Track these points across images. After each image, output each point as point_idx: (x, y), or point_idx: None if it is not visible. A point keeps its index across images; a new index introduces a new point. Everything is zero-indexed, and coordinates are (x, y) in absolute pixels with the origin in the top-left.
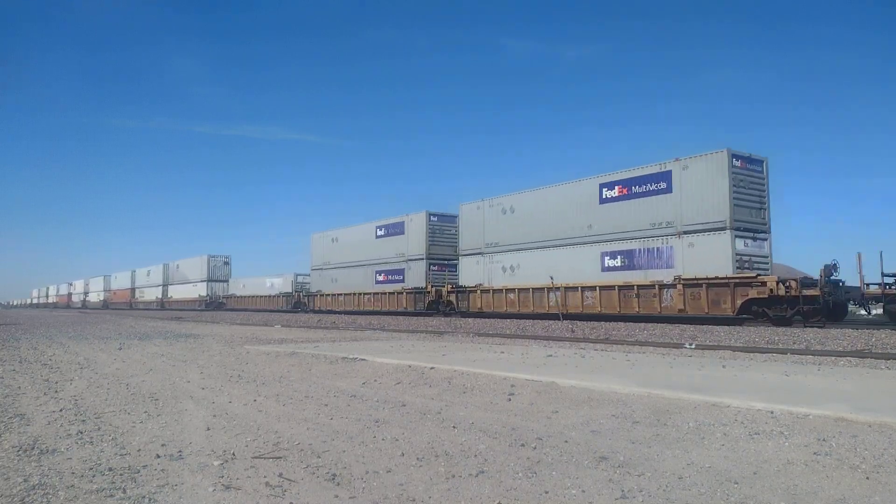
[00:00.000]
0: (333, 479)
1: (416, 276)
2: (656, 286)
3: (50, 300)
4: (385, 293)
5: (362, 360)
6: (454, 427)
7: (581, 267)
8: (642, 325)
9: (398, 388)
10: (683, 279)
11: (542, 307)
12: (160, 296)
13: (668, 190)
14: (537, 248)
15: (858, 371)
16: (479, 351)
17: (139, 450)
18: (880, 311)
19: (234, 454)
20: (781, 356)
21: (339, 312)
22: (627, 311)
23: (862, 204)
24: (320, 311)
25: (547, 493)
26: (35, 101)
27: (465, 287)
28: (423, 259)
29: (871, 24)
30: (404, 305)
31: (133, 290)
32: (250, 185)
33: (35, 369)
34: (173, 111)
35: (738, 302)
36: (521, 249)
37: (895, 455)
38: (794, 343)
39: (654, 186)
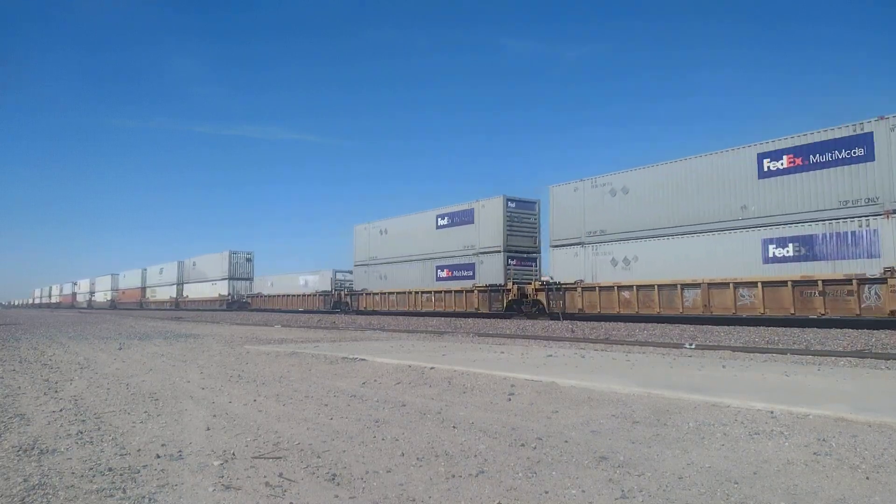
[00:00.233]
0: (333, 479)
1: (491, 272)
2: (854, 281)
3: (53, 300)
4: (450, 291)
5: (362, 360)
6: (454, 427)
7: (730, 258)
8: (642, 325)
9: (398, 388)
10: None
11: (672, 308)
12: (174, 295)
13: (869, 157)
14: (662, 235)
15: (858, 371)
16: (478, 351)
17: (139, 450)
18: None
19: (234, 454)
20: (781, 356)
21: (391, 313)
22: (806, 313)
23: None
24: (367, 312)
25: (547, 493)
26: (35, 101)
27: (560, 284)
28: (499, 252)
29: (871, 24)
30: (475, 306)
31: (144, 289)
32: (250, 185)
33: (35, 369)
34: (173, 111)
35: None
36: (639, 238)
37: (895, 455)
38: (794, 343)
39: (845, 154)
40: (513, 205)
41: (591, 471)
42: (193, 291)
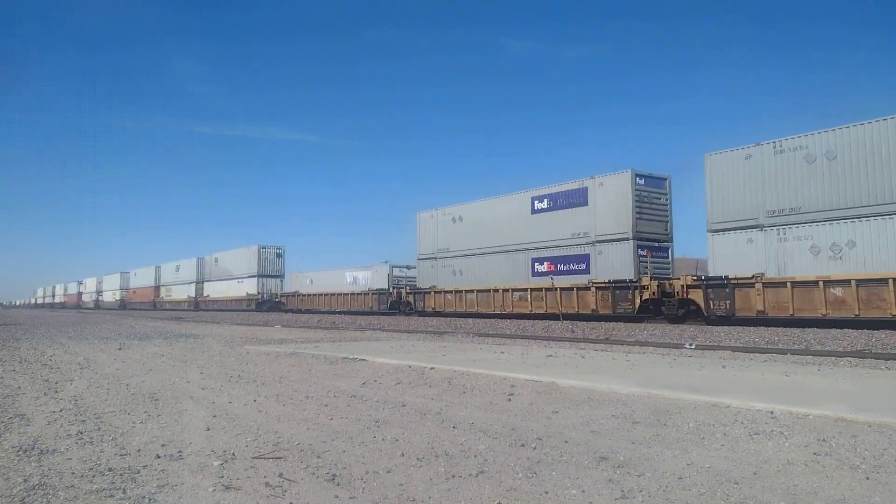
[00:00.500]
0: (333, 479)
1: (613, 265)
2: None
3: (57, 300)
4: (553, 289)
5: (362, 360)
6: (454, 427)
7: None
8: (642, 325)
9: (398, 388)
10: None
11: None
12: (193, 294)
13: None
14: (888, 213)
15: (858, 371)
16: (478, 351)
17: (139, 450)
18: None
19: (233, 454)
20: (781, 356)
21: (471, 315)
22: None
23: None
24: (437, 314)
25: (547, 493)
26: (35, 100)
27: (726, 278)
28: (626, 239)
29: (872, 24)
30: (593, 306)
31: (157, 288)
32: (249, 185)
33: (35, 369)
34: (173, 111)
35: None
36: (856, 218)
37: (895, 455)
38: (794, 343)
39: None
40: (641, 181)
41: (591, 471)
42: (216, 290)
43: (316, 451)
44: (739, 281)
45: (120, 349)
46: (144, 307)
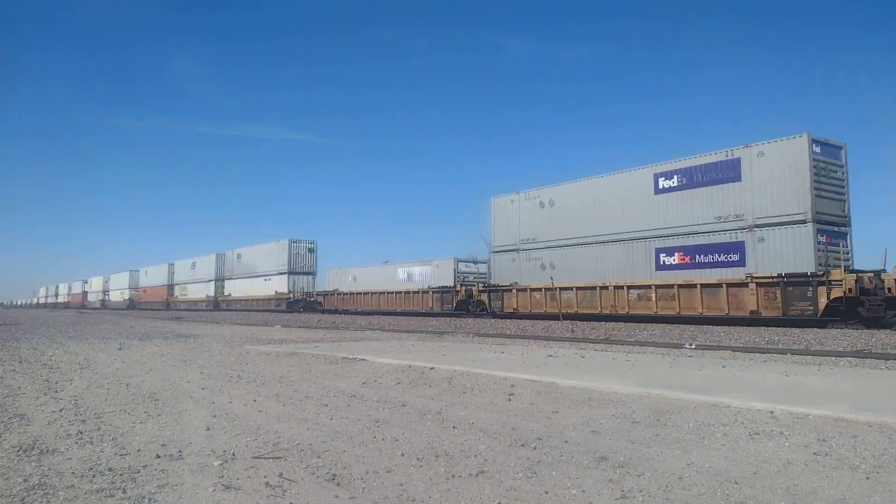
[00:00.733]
0: (333, 479)
1: (782, 254)
2: None
3: (60, 300)
4: (692, 286)
5: (362, 360)
6: (454, 427)
7: None
8: (643, 325)
9: (398, 388)
10: None
11: None
12: (212, 293)
13: None
14: None
15: (858, 371)
16: (479, 351)
17: (139, 450)
18: None
19: (234, 454)
20: (781, 356)
21: (569, 317)
22: None
23: None
24: (521, 315)
25: (547, 493)
26: (35, 100)
27: None
28: (802, 222)
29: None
30: (752, 307)
31: (171, 287)
32: (249, 185)
33: (35, 369)
34: (173, 111)
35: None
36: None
37: (895, 455)
38: (794, 343)
39: None
40: (818, 149)
41: (591, 471)
42: (239, 289)
43: (316, 450)
44: None
45: (120, 349)
46: (156, 307)
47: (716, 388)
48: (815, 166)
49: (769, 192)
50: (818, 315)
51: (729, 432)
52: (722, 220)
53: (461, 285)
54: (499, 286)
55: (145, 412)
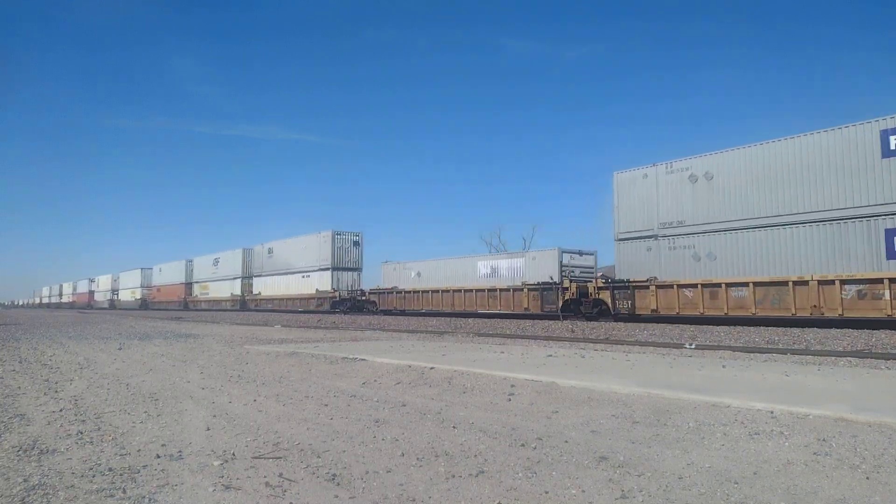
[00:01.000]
0: (333, 479)
1: None
2: None
3: (65, 299)
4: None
5: (362, 360)
6: (454, 427)
7: None
8: (643, 325)
9: (398, 388)
10: None
11: None
12: (238, 292)
13: None
14: None
15: (858, 371)
16: (479, 351)
17: (139, 450)
18: None
19: (234, 454)
20: (781, 356)
21: (745, 321)
22: None
23: None
24: (665, 319)
25: (547, 493)
26: (35, 100)
27: None
28: None
29: (871, 24)
30: None
31: (189, 285)
32: (248, 185)
33: (35, 369)
34: (173, 111)
35: None
36: None
37: (895, 455)
38: (794, 343)
39: None
40: None
41: (591, 471)
42: (270, 287)
43: (316, 450)
44: None
45: (120, 349)
46: (172, 307)
47: (716, 388)
48: None
49: None
50: None
51: (729, 432)
52: None
53: (571, 281)
54: (629, 282)
55: (145, 412)
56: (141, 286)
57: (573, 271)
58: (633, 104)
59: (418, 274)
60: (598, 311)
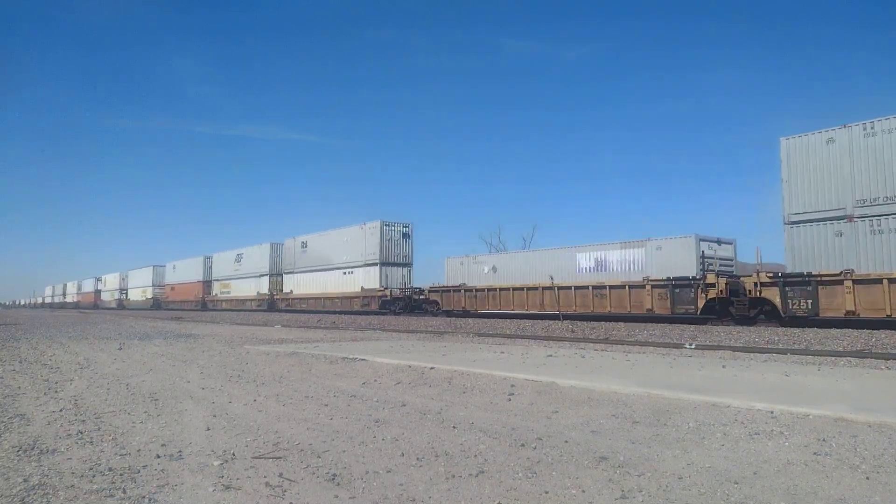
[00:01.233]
0: (333, 479)
1: None
2: None
3: (69, 299)
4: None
5: (362, 360)
6: (454, 427)
7: None
8: (643, 325)
9: (398, 388)
10: None
11: None
12: (266, 290)
13: None
14: None
15: (858, 371)
16: (479, 351)
17: (139, 450)
18: None
19: (234, 454)
20: (781, 356)
21: None
22: None
23: None
24: (877, 324)
25: (547, 493)
26: (35, 101)
27: None
28: None
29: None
30: None
31: (208, 283)
32: (249, 185)
33: (35, 369)
34: (172, 111)
35: None
36: None
37: (895, 455)
38: (794, 343)
39: None
40: None
41: (591, 471)
42: (304, 284)
43: (316, 450)
44: None
45: (120, 349)
46: (189, 307)
47: (716, 388)
48: None
49: None
50: None
51: (729, 432)
52: None
53: (716, 275)
54: (809, 276)
55: (145, 412)
56: (153, 285)
57: (711, 264)
58: (634, 104)
59: (493, 268)
60: (758, 313)
